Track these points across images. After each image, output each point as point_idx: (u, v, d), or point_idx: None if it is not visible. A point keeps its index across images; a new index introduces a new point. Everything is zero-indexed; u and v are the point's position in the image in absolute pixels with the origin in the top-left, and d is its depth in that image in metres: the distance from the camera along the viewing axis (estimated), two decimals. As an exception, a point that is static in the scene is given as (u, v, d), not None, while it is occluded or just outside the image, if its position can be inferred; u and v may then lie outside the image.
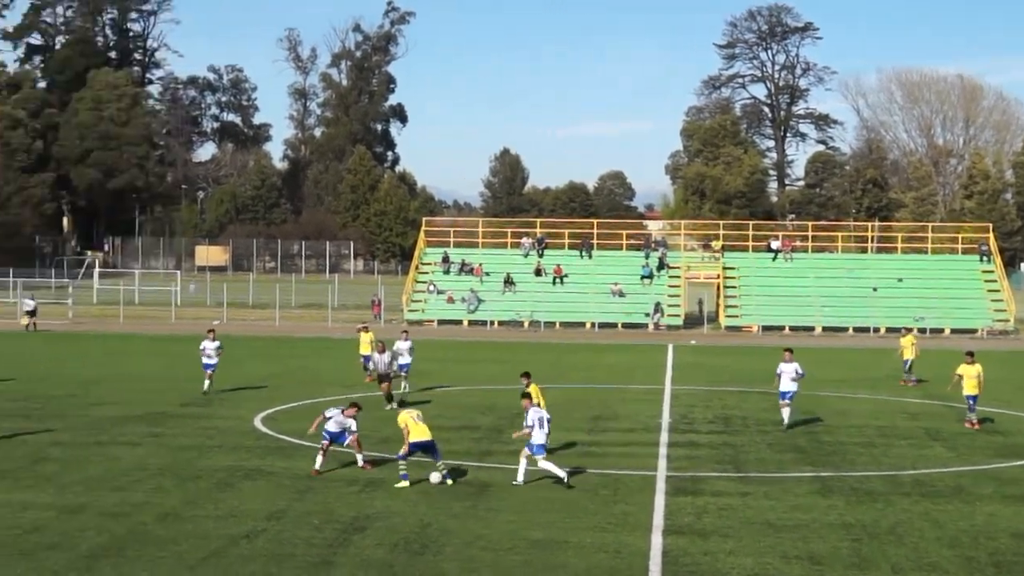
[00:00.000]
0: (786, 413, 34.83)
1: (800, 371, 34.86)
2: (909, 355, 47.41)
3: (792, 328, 77.87)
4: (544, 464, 26.13)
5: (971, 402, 35.96)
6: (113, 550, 20.27)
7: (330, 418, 27.08)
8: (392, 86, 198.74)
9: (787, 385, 34.80)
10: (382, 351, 38.92)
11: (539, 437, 26.22)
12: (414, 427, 26.05)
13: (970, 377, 35.80)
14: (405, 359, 41.33)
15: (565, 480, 25.77)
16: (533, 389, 29.81)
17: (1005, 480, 27.78)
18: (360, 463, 27.35)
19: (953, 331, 76.01)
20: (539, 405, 28.92)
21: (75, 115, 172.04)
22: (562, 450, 30.83)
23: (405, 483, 25.61)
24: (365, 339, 43.68)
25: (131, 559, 19.71)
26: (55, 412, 36.58)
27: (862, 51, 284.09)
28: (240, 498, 24.57)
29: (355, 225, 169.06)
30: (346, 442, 27.06)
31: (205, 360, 41.06)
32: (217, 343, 41.23)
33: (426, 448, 26.05)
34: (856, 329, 77.49)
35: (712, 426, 35.61)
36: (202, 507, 23.66)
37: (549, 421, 26.69)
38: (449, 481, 25.97)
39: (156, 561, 19.62)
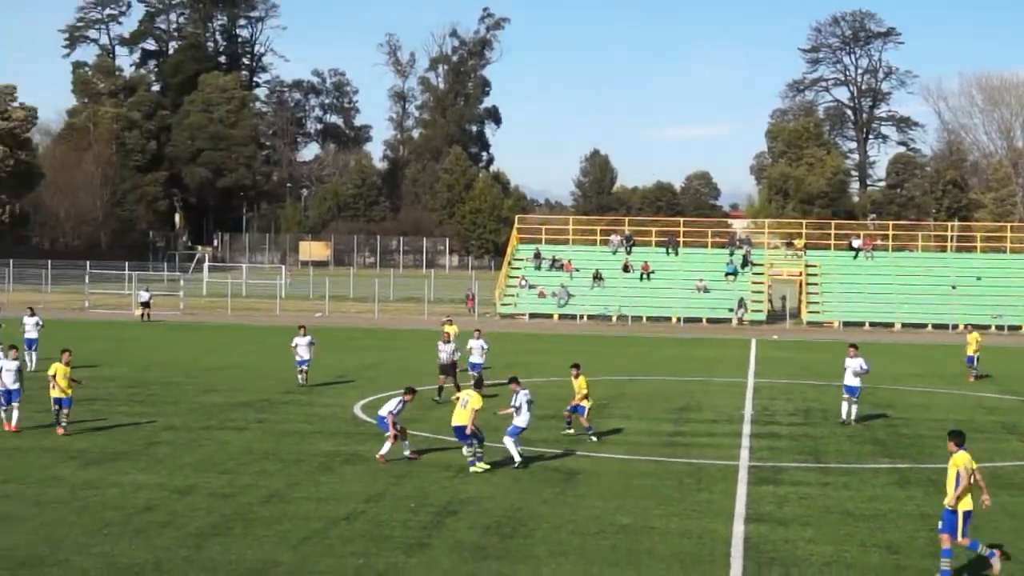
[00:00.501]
0: (845, 409, 34.19)
1: (864, 367, 34.24)
2: (971, 351, 46.87)
3: (872, 324, 77.17)
4: (508, 443, 26.76)
5: None
6: (221, 529, 20.55)
7: (397, 413, 27.10)
8: (487, 89, 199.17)
9: (849, 380, 34.26)
10: (447, 340, 38.51)
11: (520, 420, 26.81)
12: (457, 412, 26.29)
13: None
14: (477, 358, 40.47)
15: (517, 464, 26.38)
16: (581, 381, 30.56)
17: (1080, 474, 27.39)
18: (406, 452, 27.30)
19: (1031, 328, 74.97)
20: (586, 396, 30.10)
21: (187, 117, 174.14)
22: (648, 440, 30.84)
23: (477, 466, 25.92)
24: (450, 330, 43.72)
25: (237, 538, 19.97)
26: (168, 398, 37.09)
27: (944, 55, 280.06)
28: (340, 481, 24.78)
29: (451, 222, 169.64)
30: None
31: (298, 357, 40.38)
32: (308, 338, 40.43)
33: (457, 433, 26.27)
34: (935, 326, 76.50)
35: (793, 418, 35.40)
36: (304, 489, 23.89)
37: (531, 403, 27.33)
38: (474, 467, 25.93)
39: (261, 540, 19.86)
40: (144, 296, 73.70)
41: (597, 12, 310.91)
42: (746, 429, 33.04)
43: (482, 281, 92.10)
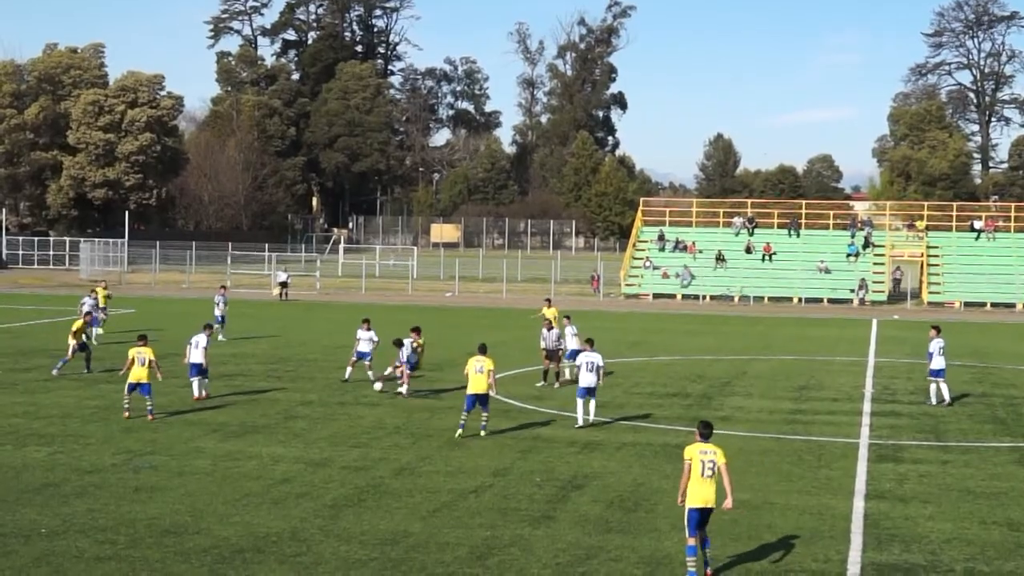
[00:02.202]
0: (933, 389, 33.10)
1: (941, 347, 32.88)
2: None
3: (993, 304, 75.66)
4: (579, 403, 28.28)
5: None
6: (354, 500, 20.74)
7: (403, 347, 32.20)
8: (613, 75, 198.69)
9: (937, 363, 32.87)
10: (550, 328, 36.43)
11: (583, 381, 28.11)
12: (473, 378, 27.02)
13: None
14: (572, 344, 37.19)
15: (577, 425, 28.03)
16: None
17: None
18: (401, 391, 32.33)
19: None
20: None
21: (324, 104, 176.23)
22: (769, 417, 30.53)
23: (459, 431, 26.90)
24: (549, 314, 43.14)
25: (370, 509, 20.14)
26: (304, 374, 37.49)
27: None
28: (468, 456, 24.87)
29: (577, 205, 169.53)
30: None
31: (357, 349, 35.41)
32: (371, 334, 35.19)
33: (480, 400, 27.06)
34: (1057, 306, 74.93)
35: (913, 397, 34.74)
36: (434, 463, 24.02)
37: (598, 368, 28.30)
38: (482, 433, 26.94)
39: (392, 511, 20.00)
40: (282, 276, 74.48)
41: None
42: (866, 407, 32.57)
43: (607, 262, 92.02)
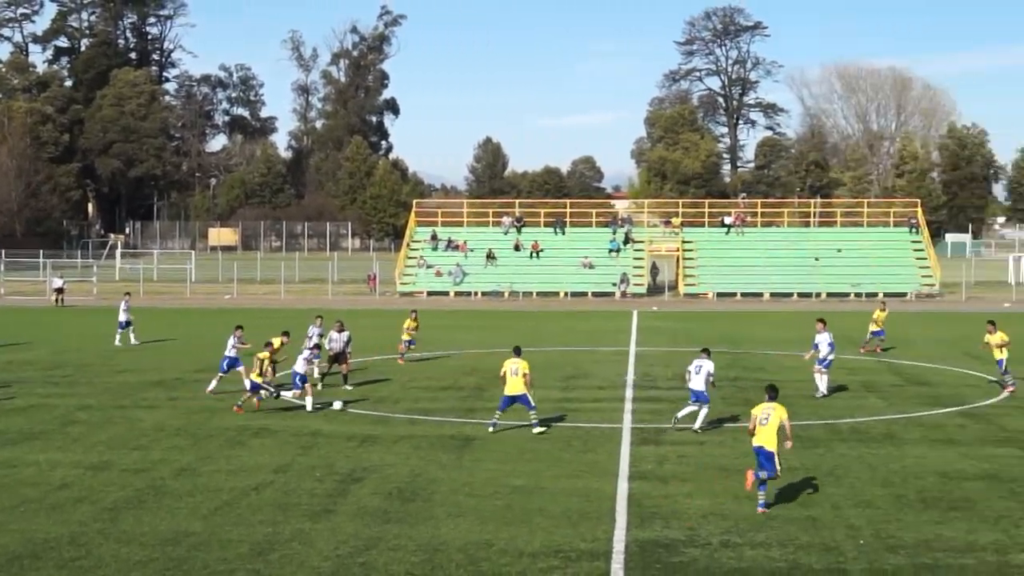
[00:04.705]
0: (823, 381, 33.06)
1: (830, 342, 33.40)
2: (876, 327, 45.39)
3: (743, 294, 77.95)
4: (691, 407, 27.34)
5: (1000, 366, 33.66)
6: (134, 502, 20.23)
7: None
8: (386, 82, 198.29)
9: (824, 353, 33.11)
10: (340, 330, 35.40)
11: (696, 383, 27.12)
12: (510, 380, 26.81)
13: (995, 345, 33.36)
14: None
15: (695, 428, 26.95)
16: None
17: (930, 426, 27.99)
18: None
19: (886, 295, 75.66)
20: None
21: (99, 110, 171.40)
22: (538, 406, 30.76)
23: (492, 428, 26.93)
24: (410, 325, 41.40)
25: (151, 510, 19.67)
26: (82, 379, 36.43)
27: (806, 47, 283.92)
28: (249, 454, 24.52)
29: (353, 207, 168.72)
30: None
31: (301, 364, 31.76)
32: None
33: (519, 400, 26.86)
34: (800, 295, 77.57)
35: (672, 383, 35.52)
36: (215, 463, 23.60)
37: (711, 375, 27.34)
38: (537, 430, 26.74)
39: (173, 512, 19.58)
40: (58, 282, 72.29)
41: (487, 8, 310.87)
42: (629, 394, 33.22)
43: (383, 262, 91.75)
